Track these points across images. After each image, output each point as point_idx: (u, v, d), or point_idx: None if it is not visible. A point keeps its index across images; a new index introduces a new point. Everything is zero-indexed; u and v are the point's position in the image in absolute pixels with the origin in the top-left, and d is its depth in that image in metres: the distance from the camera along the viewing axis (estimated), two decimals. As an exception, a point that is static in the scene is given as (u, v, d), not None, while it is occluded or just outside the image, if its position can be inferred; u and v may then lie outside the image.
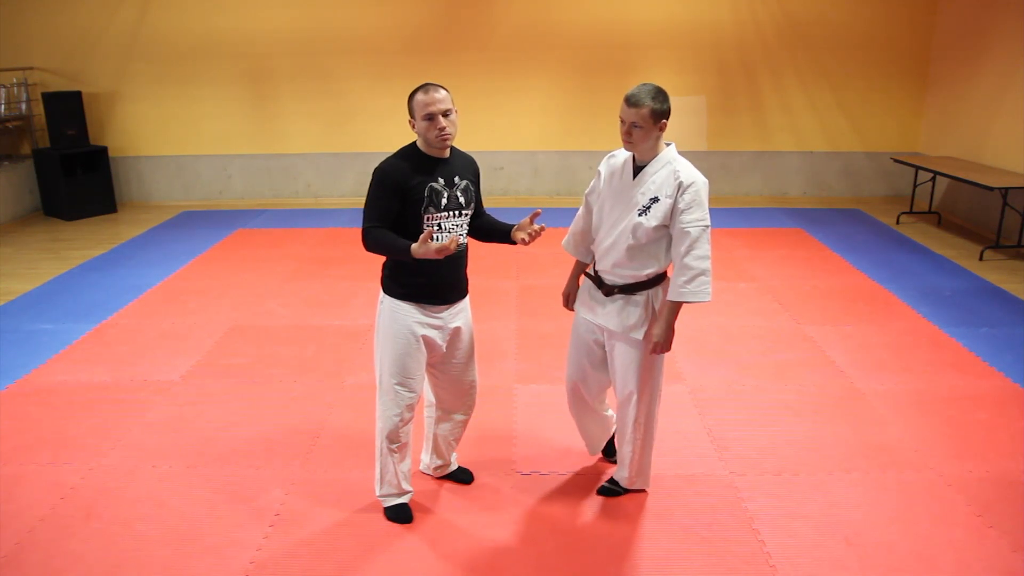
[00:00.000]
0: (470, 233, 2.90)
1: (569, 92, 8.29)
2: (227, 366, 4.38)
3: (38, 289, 5.70)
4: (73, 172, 7.85)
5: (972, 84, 7.43)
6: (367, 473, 3.20)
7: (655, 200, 2.66)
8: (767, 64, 8.22)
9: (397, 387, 2.80)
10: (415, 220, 2.70)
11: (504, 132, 8.41)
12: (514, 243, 2.81)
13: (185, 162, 8.51)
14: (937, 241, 6.88)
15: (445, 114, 2.63)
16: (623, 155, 2.81)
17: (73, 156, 7.81)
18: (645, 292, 2.78)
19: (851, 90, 8.27)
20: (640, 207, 2.68)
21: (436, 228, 2.72)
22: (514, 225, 2.83)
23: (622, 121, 2.64)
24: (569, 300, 3.07)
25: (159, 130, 8.38)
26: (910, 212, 7.73)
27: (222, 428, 3.69)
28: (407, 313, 2.77)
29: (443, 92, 2.64)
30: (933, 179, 7.57)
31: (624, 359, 2.85)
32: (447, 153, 2.75)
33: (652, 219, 2.67)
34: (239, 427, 3.70)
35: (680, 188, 2.63)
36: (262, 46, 8.11)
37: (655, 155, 2.70)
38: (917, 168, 7.35)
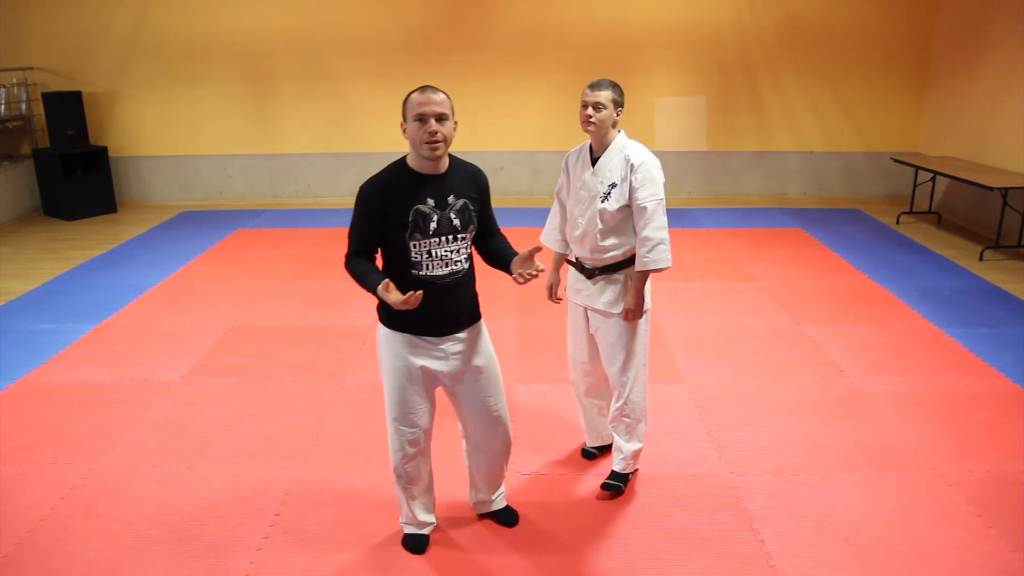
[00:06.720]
0: (481, 255, 2.67)
1: (569, 92, 8.27)
2: (227, 366, 4.37)
3: (38, 289, 5.70)
4: (73, 172, 7.85)
5: (972, 84, 7.43)
6: (367, 473, 3.20)
7: (613, 185, 2.88)
8: (767, 64, 8.22)
9: (396, 422, 2.61)
10: (400, 247, 2.42)
11: (504, 132, 8.41)
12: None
13: (185, 162, 8.52)
14: (937, 241, 6.88)
15: (439, 118, 2.34)
16: (580, 149, 3.03)
17: (73, 156, 7.81)
18: (624, 271, 2.96)
19: (851, 90, 8.27)
20: (601, 195, 2.89)
21: (426, 255, 2.44)
22: (516, 255, 2.52)
23: (584, 104, 2.86)
24: (551, 291, 3.23)
25: (159, 130, 8.38)
26: (910, 212, 7.72)
27: (222, 428, 3.69)
28: (400, 344, 2.54)
29: (442, 95, 2.36)
30: (933, 179, 7.57)
31: (608, 336, 3.01)
32: (441, 167, 2.44)
33: (613, 203, 2.88)
34: (239, 427, 3.70)
35: (632, 169, 2.85)
36: (262, 46, 8.11)
37: (609, 144, 2.91)
38: (917, 168, 7.35)
